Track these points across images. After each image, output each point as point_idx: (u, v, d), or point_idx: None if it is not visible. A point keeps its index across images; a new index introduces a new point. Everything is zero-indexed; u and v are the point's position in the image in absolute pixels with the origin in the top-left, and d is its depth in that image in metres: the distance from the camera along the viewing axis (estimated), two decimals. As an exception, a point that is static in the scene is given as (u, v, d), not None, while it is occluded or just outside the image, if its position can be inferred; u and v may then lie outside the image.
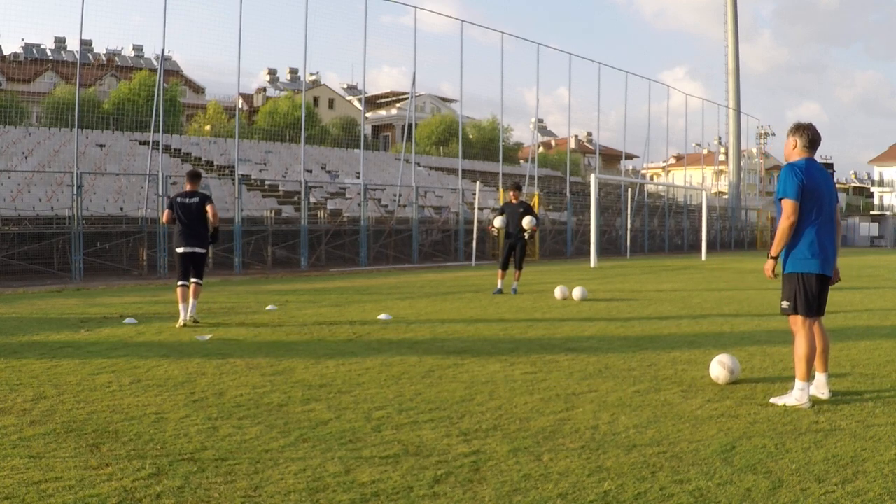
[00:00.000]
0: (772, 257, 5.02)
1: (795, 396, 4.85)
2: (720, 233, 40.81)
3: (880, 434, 4.20)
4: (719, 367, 5.54)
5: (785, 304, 5.06)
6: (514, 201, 12.64)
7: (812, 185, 4.90)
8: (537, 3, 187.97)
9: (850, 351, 6.94)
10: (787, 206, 4.87)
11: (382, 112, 61.44)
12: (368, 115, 56.32)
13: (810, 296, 4.96)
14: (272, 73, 58.62)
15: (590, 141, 62.95)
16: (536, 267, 20.96)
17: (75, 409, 4.64)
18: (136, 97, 37.09)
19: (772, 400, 4.97)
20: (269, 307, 10.25)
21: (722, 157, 53.22)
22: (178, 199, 8.98)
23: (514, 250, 12.59)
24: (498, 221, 12.68)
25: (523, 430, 4.27)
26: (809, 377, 4.90)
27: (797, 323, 5.01)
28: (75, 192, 15.71)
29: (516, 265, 12.65)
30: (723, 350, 6.95)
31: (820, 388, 5.09)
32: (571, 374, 5.80)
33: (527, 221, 12.25)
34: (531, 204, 15.34)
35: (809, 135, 5.02)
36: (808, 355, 4.88)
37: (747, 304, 11.09)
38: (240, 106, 28.22)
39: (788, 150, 5.10)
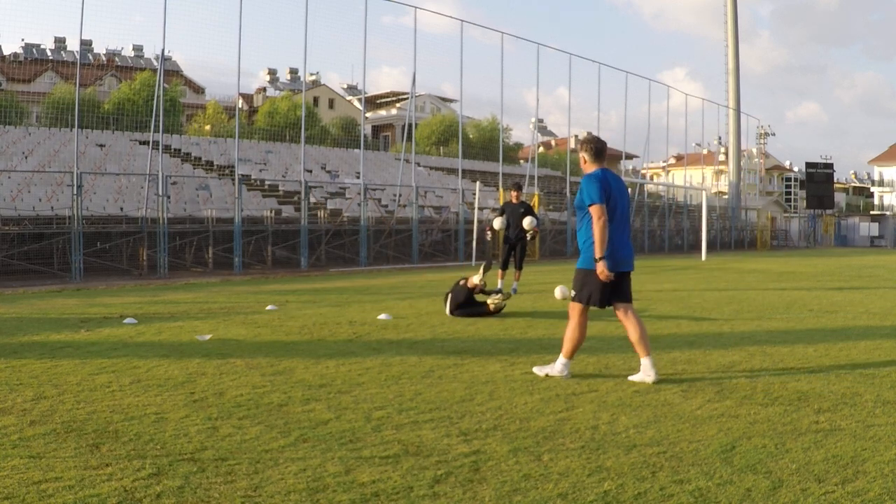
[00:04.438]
0: (601, 259, 5.49)
1: (558, 368, 5.68)
2: (720, 233, 40.79)
3: (880, 434, 4.20)
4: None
5: (572, 293, 5.72)
6: (514, 201, 12.63)
7: (609, 192, 5.50)
8: (537, 3, 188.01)
9: (850, 351, 6.94)
10: (597, 210, 5.43)
11: (382, 112, 61.45)
12: (368, 115, 56.35)
13: (596, 290, 5.56)
14: (272, 73, 58.67)
15: (590, 141, 62.82)
16: (536, 267, 20.94)
17: (75, 409, 4.64)
18: (137, 97, 37.12)
19: (534, 369, 5.78)
20: (269, 307, 10.25)
21: (722, 157, 53.21)
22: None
23: (514, 250, 12.59)
24: (497, 223, 12.61)
25: (523, 430, 4.27)
26: (572, 356, 5.69)
27: (574, 309, 5.68)
28: (75, 192, 15.71)
29: (516, 265, 12.64)
30: (723, 349, 6.97)
31: (646, 371, 5.55)
32: (571, 375, 5.80)
33: (527, 222, 12.23)
34: (531, 204, 15.32)
35: (593, 147, 5.64)
36: (575, 337, 5.65)
37: (747, 304, 11.09)
38: (240, 106, 28.22)
39: (582, 165, 5.72)
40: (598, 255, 5.44)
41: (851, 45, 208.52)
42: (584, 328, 5.68)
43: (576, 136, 62.73)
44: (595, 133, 40.99)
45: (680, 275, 18.40)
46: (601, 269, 5.44)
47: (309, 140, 33.50)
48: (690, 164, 46.98)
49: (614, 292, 5.60)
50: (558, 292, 11.73)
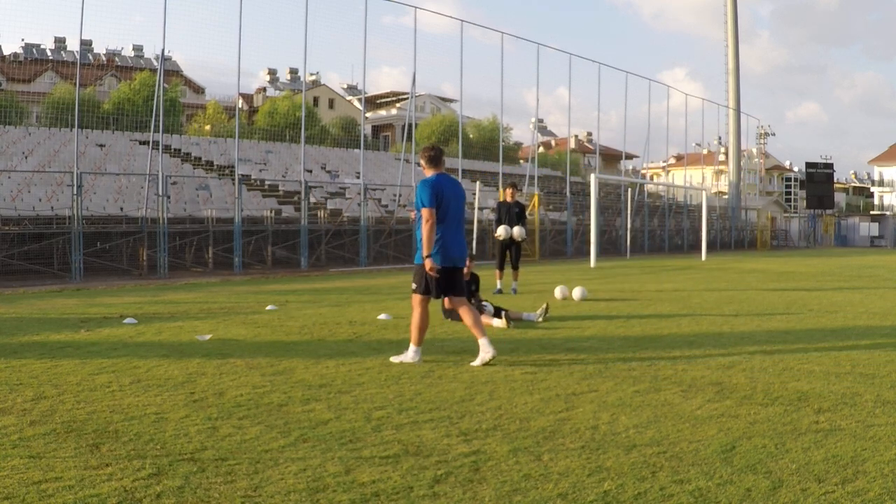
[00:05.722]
0: (427, 257, 6.18)
1: (410, 356, 6.23)
2: (720, 233, 40.81)
3: (880, 434, 4.20)
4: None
5: (413, 285, 6.37)
6: (509, 199, 12.64)
7: (442, 196, 6.18)
8: (537, 3, 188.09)
9: (850, 351, 6.94)
10: (426, 213, 6.14)
11: (382, 112, 61.43)
12: (368, 115, 56.33)
13: (430, 281, 6.24)
14: (272, 73, 58.67)
15: (590, 141, 62.95)
16: (536, 267, 20.95)
17: (75, 409, 4.64)
18: (136, 97, 37.11)
19: (391, 359, 6.28)
20: (269, 307, 10.25)
21: (722, 157, 53.22)
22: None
23: (509, 250, 12.59)
24: (501, 232, 12.47)
25: (523, 430, 4.26)
26: (421, 342, 6.27)
27: (415, 299, 6.32)
28: (75, 192, 15.71)
29: (512, 265, 12.64)
30: (723, 349, 6.97)
31: (486, 349, 6.19)
32: (571, 374, 5.80)
33: (517, 233, 12.30)
34: (531, 204, 15.32)
35: (429, 155, 6.36)
36: (420, 325, 6.26)
37: (747, 304, 11.09)
38: (240, 106, 28.21)
39: (423, 170, 6.44)
40: (424, 253, 6.20)
41: (851, 45, 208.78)
42: (426, 315, 6.33)
43: (576, 136, 62.76)
44: (595, 133, 41.03)
45: (680, 275, 18.40)
46: (429, 265, 6.20)
47: (309, 140, 33.49)
48: (690, 164, 47.00)
49: (448, 286, 6.37)
50: (558, 292, 11.74)
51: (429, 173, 6.35)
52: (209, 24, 43.52)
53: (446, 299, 9.10)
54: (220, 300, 11.37)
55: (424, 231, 6.17)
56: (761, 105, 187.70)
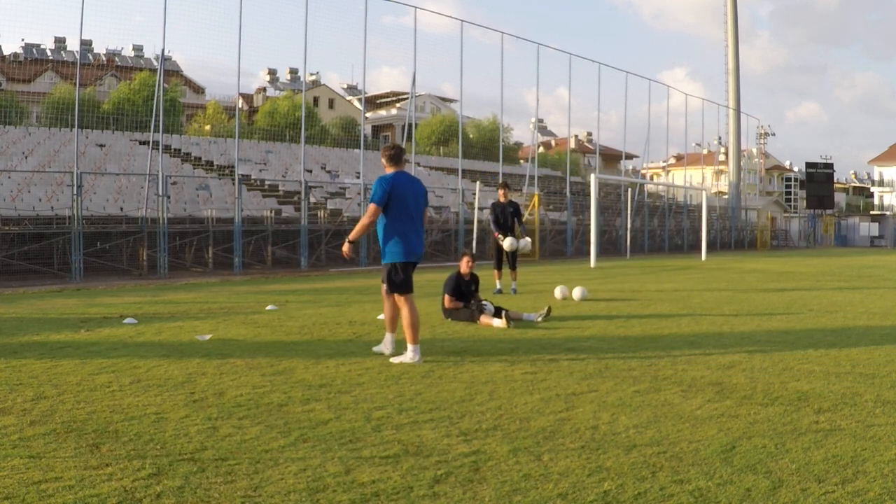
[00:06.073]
0: (350, 241, 6.51)
1: (409, 356, 6.21)
2: (720, 233, 40.80)
3: (880, 434, 4.20)
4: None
5: (385, 286, 6.51)
6: (503, 200, 12.62)
7: (399, 193, 6.34)
8: (537, 3, 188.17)
9: (850, 351, 6.94)
10: (370, 208, 6.36)
11: (382, 112, 61.44)
12: (368, 115, 56.34)
13: (400, 278, 6.38)
14: (272, 73, 58.69)
15: (590, 141, 62.97)
16: (536, 267, 20.95)
17: (75, 409, 4.64)
18: (136, 97, 37.11)
19: (391, 359, 6.27)
20: (269, 307, 10.25)
21: (722, 157, 53.21)
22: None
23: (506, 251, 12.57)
24: (507, 245, 12.25)
25: (523, 430, 4.27)
26: (417, 340, 6.23)
27: (399, 300, 6.40)
28: (75, 192, 15.71)
29: (510, 265, 12.62)
30: (723, 349, 6.97)
31: (387, 344, 6.60)
32: (571, 374, 5.80)
33: (523, 246, 12.23)
34: (531, 204, 15.29)
35: (389, 153, 6.56)
36: (412, 322, 6.25)
37: (747, 304, 11.09)
38: (240, 106, 28.21)
39: (384, 168, 6.61)
40: (350, 237, 6.50)
41: (851, 45, 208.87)
42: (415, 311, 6.37)
43: (576, 136, 62.78)
44: (595, 133, 41.03)
45: (680, 275, 18.40)
46: (345, 248, 6.51)
47: (309, 140, 33.49)
48: (690, 164, 47.00)
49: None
50: (558, 292, 11.73)
51: (388, 171, 6.53)
52: (209, 24, 43.54)
53: (446, 298, 9.20)
54: (220, 300, 11.37)
55: (362, 221, 6.48)
56: (761, 105, 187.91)
